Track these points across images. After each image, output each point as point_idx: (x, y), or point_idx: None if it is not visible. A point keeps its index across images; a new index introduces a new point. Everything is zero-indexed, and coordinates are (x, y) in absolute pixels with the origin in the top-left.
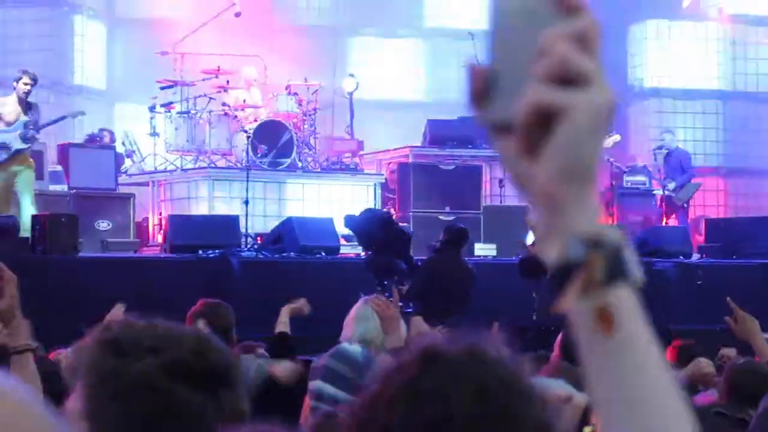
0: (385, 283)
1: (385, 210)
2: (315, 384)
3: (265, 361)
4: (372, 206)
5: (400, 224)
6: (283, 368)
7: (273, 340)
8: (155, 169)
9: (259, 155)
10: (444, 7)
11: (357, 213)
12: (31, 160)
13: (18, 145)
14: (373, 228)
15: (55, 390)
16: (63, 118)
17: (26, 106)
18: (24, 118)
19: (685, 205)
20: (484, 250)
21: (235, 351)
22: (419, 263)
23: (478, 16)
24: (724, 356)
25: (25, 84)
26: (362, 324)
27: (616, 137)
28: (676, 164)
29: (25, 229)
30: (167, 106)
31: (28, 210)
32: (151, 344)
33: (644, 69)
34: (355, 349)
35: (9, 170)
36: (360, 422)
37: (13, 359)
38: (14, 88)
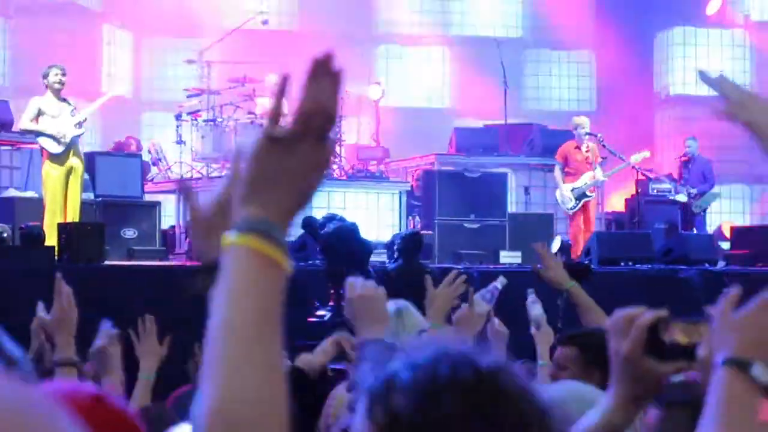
0: (341, 291)
1: (350, 222)
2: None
3: None
4: (335, 213)
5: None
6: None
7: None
8: (181, 177)
9: None
10: (470, 15)
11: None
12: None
13: (73, 132)
14: (335, 237)
15: None
16: (106, 97)
17: (62, 100)
18: (68, 106)
19: (702, 213)
20: (509, 257)
21: None
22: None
23: (502, 22)
24: None
25: (56, 75)
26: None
27: (646, 153)
28: (698, 172)
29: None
30: (194, 114)
31: (74, 215)
32: None
33: (670, 76)
34: None
35: (67, 166)
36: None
37: (57, 372)
38: (45, 87)
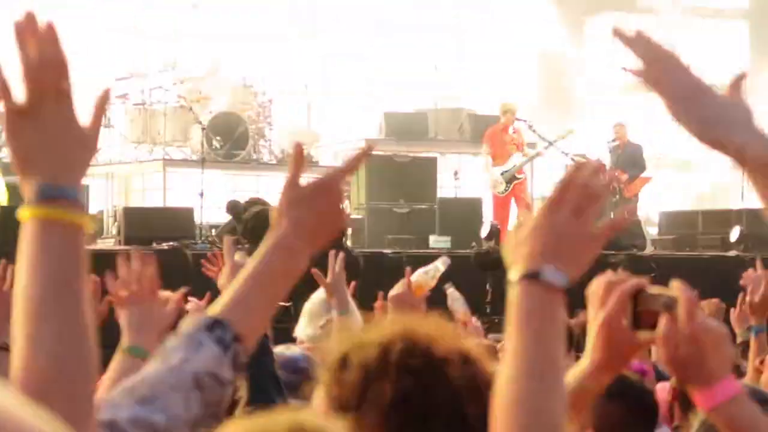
0: None
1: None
2: None
3: None
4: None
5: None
6: None
7: None
8: (110, 161)
9: (214, 147)
10: None
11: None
12: None
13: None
14: (256, 221)
15: None
16: None
17: None
18: None
19: (634, 198)
20: (438, 242)
21: None
22: None
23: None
24: None
25: None
26: (315, 321)
27: (572, 130)
28: (629, 157)
29: None
30: (122, 96)
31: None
32: None
33: (600, 61)
34: (293, 351)
35: None
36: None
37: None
38: None
